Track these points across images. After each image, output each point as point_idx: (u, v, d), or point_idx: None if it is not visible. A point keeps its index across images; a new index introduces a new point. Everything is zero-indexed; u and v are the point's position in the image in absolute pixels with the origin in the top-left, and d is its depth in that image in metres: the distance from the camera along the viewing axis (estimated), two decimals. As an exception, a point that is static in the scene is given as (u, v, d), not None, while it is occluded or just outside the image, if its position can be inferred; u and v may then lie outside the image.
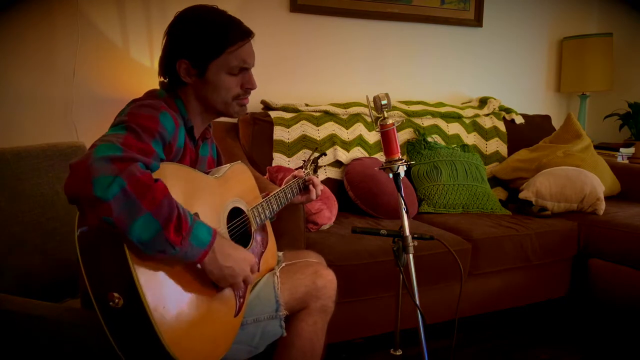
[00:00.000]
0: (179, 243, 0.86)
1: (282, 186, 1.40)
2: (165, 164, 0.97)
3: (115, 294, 0.84)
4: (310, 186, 1.47)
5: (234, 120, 2.36)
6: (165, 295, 0.89)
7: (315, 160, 1.61)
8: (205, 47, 1.11)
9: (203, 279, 0.99)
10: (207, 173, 1.17)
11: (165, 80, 1.18)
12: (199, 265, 0.97)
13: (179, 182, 0.99)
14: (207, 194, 1.08)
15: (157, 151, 0.94)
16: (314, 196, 1.48)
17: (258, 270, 1.21)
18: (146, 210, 0.81)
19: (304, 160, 1.59)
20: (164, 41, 1.15)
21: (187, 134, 1.15)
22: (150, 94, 1.15)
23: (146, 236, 0.82)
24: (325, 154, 1.86)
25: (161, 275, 0.89)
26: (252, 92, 1.21)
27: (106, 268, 0.86)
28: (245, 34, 1.14)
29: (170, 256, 0.87)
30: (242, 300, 1.12)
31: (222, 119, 1.27)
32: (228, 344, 1.06)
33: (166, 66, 1.15)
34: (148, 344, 0.86)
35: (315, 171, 1.60)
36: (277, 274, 1.26)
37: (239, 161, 1.32)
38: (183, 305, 0.93)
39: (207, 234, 0.93)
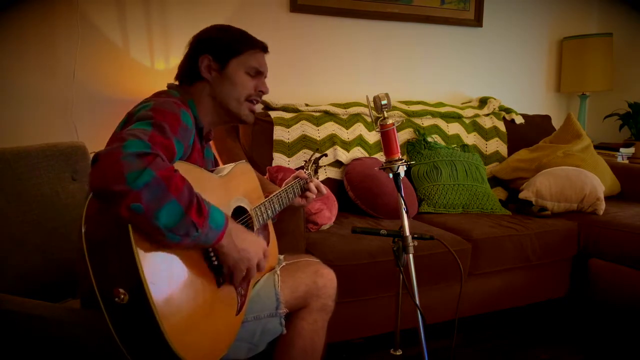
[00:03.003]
0: (201, 225, 0.89)
1: (283, 187, 1.41)
2: (176, 162, 1.00)
3: (121, 290, 0.84)
4: (308, 192, 1.48)
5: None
6: (169, 292, 0.89)
7: (316, 160, 1.61)
8: (228, 44, 1.21)
9: (207, 276, 1.00)
10: (212, 172, 1.17)
11: (176, 83, 1.24)
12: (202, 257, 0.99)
13: (187, 179, 1.00)
14: (211, 193, 1.09)
15: (177, 149, 0.98)
16: (313, 197, 1.49)
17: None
18: (172, 196, 0.84)
19: (305, 161, 1.60)
20: (187, 49, 1.24)
21: (197, 134, 1.17)
22: (166, 94, 1.17)
23: (172, 221, 0.85)
24: (326, 155, 1.86)
25: (166, 272, 0.90)
26: None
27: (112, 264, 0.86)
28: (263, 47, 1.27)
29: (190, 241, 0.89)
30: (243, 298, 1.13)
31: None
32: (229, 342, 1.07)
33: (187, 63, 1.22)
34: (151, 340, 0.86)
35: (316, 172, 1.60)
36: (278, 272, 1.27)
37: (244, 160, 1.32)
38: (187, 302, 0.93)
39: (221, 216, 0.96)
